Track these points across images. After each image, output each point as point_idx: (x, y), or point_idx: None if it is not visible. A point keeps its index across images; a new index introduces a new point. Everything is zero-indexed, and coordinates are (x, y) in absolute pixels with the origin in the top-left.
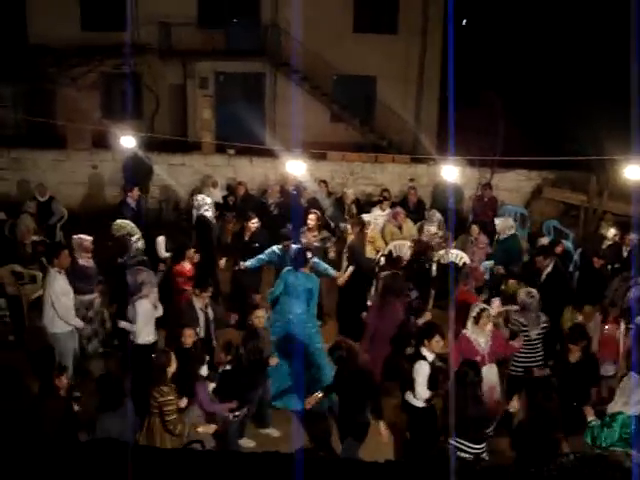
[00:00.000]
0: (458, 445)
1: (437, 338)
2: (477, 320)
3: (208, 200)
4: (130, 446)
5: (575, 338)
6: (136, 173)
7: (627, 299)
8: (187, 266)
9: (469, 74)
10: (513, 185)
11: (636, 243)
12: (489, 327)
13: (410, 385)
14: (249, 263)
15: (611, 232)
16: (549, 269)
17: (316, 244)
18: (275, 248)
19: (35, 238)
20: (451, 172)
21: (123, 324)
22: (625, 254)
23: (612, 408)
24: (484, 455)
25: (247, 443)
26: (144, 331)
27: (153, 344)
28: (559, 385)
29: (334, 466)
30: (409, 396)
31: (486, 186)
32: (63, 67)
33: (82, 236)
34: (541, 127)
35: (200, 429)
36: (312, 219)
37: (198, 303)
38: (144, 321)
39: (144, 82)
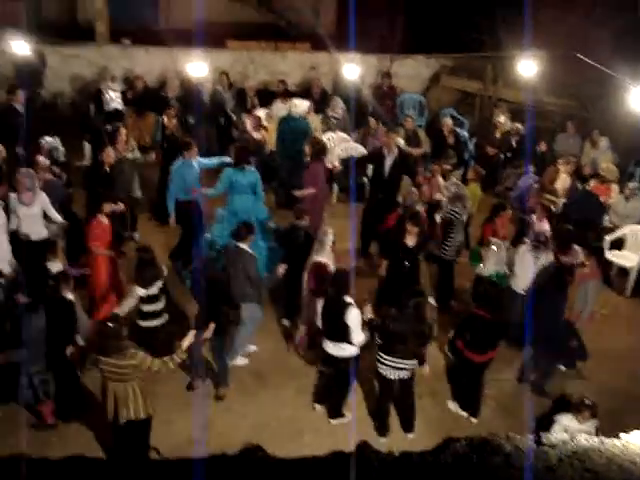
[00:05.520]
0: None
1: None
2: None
3: (119, 94)
4: None
5: (416, 221)
6: (28, 69)
7: (518, 186)
8: (104, 221)
9: None
10: (412, 72)
11: (522, 132)
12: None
13: (338, 335)
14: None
15: (501, 119)
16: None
17: (129, 156)
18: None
19: None
20: (352, 68)
21: None
22: (514, 144)
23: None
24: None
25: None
26: None
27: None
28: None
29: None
30: (336, 348)
31: (385, 75)
32: None
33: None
34: (439, 13)
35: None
36: (122, 133)
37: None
38: None
39: None
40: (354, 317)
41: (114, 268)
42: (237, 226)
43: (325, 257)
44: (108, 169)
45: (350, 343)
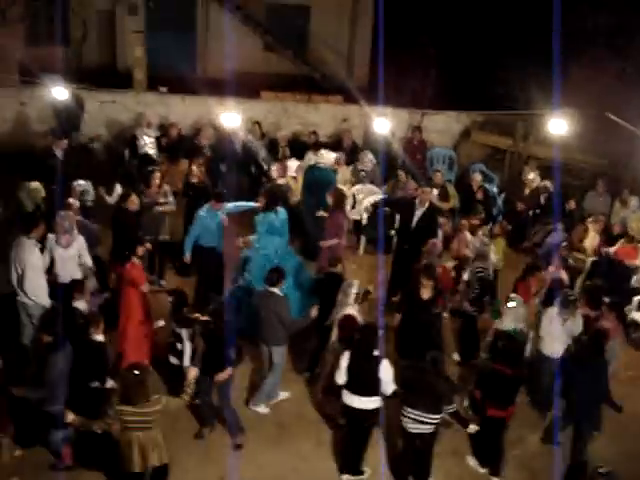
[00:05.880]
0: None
1: None
2: (359, 299)
3: (152, 139)
4: None
5: (430, 274)
6: (67, 113)
7: (546, 243)
8: (138, 264)
9: (402, 14)
10: (442, 127)
11: (550, 190)
12: None
13: (365, 389)
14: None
15: (531, 176)
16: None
17: (161, 200)
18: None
19: None
20: (382, 123)
21: None
22: (543, 201)
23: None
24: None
25: (261, 409)
26: None
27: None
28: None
29: None
30: (361, 401)
31: (416, 129)
32: None
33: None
34: (471, 70)
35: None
36: (156, 177)
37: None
38: None
39: (72, 7)
40: (388, 370)
41: (147, 310)
42: (269, 272)
43: (350, 309)
44: (137, 211)
45: (379, 395)
